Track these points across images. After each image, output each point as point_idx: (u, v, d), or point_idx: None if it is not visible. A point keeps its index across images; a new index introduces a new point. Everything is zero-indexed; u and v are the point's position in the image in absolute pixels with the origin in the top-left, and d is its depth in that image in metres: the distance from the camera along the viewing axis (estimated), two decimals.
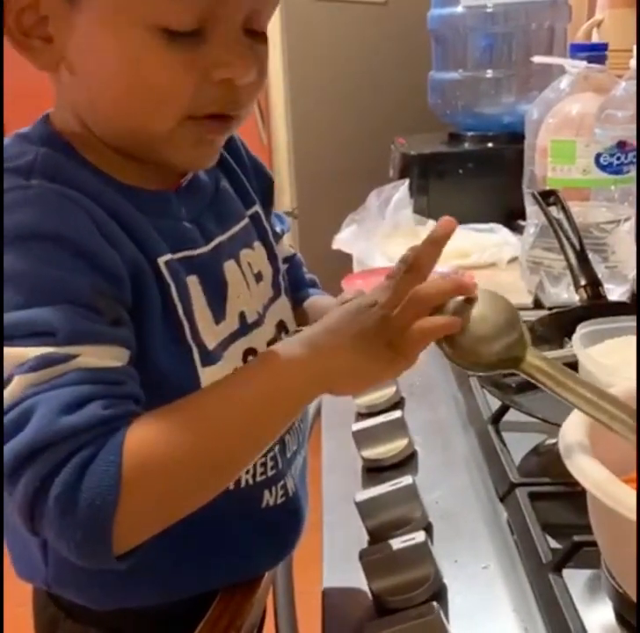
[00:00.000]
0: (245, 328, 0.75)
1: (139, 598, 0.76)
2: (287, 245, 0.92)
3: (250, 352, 0.75)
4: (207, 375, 0.70)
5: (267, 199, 0.87)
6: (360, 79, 2.42)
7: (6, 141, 0.69)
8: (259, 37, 0.69)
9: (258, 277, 0.79)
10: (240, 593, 0.78)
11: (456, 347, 0.66)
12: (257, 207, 0.82)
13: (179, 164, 0.72)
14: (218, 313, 0.72)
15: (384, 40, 2.39)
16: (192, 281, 0.70)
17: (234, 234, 0.77)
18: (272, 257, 0.82)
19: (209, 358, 0.70)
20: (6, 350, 0.58)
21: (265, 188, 0.87)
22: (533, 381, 0.65)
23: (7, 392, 0.57)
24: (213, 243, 0.74)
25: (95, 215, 0.64)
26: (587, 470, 0.55)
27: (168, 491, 0.59)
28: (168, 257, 0.68)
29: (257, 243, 0.80)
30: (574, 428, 0.60)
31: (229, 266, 0.75)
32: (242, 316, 0.75)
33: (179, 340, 0.68)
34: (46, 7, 0.65)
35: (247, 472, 0.75)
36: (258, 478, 0.76)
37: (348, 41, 2.42)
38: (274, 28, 2.51)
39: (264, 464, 0.76)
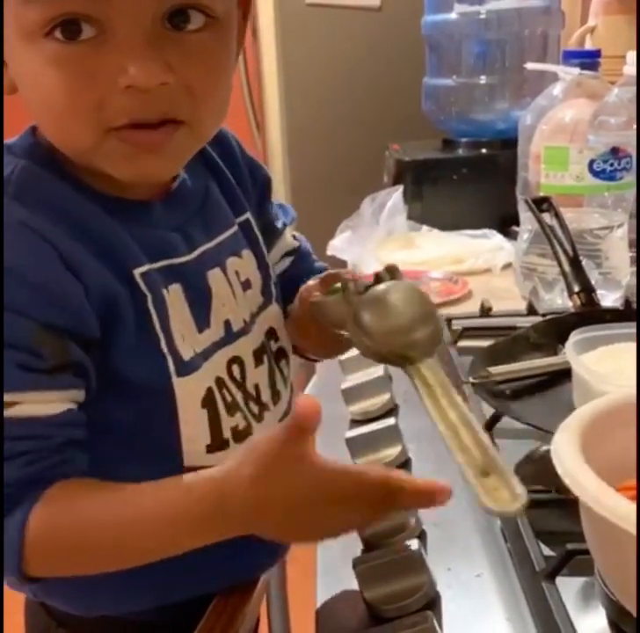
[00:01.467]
0: (230, 336, 0.75)
1: (129, 603, 0.76)
2: (289, 237, 0.90)
3: (234, 360, 0.75)
4: (182, 385, 0.69)
5: (264, 198, 0.86)
6: (355, 85, 2.42)
7: None
8: (200, 23, 0.63)
9: (246, 285, 0.78)
10: (234, 600, 0.78)
11: (360, 328, 0.66)
12: (247, 215, 0.81)
13: (125, 178, 0.67)
14: (202, 321, 0.72)
15: (378, 46, 2.39)
16: (175, 290, 0.70)
17: (221, 242, 0.77)
18: (262, 265, 0.81)
19: (185, 367, 0.70)
20: None
21: (263, 187, 0.86)
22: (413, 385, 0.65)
23: None
24: (197, 252, 0.73)
25: (60, 245, 0.63)
26: (580, 479, 0.55)
27: (64, 566, 0.65)
28: (145, 268, 0.68)
29: (245, 252, 0.79)
30: (568, 435, 0.60)
31: (214, 275, 0.74)
32: (227, 324, 0.75)
33: (154, 350, 0.68)
34: None
35: None
36: None
37: (342, 47, 2.42)
38: (268, 33, 2.51)
39: None
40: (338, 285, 0.73)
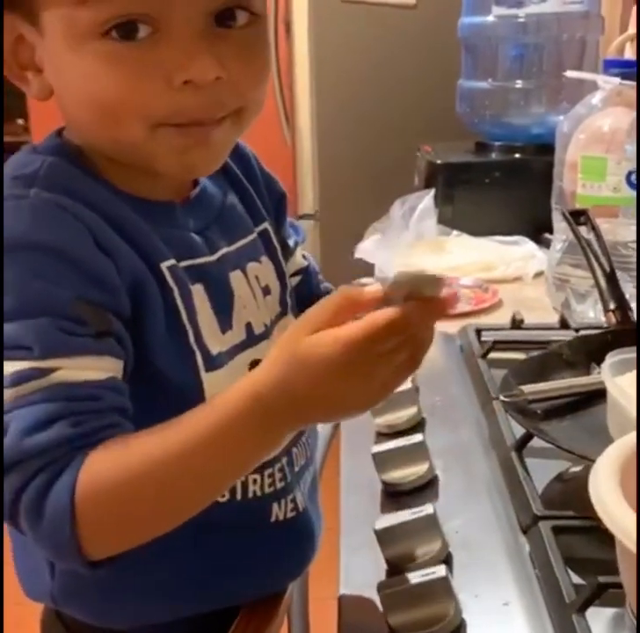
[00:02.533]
0: (252, 339, 0.74)
1: (145, 614, 0.75)
2: (299, 256, 0.90)
3: (256, 363, 0.73)
4: (211, 380, 0.69)
5: (280, 213, 0.86)
6: (387, 84, 2.40)
7: (15, 155, 0.69)
8: (245, 21, 0.65)
9: (266, 290, 0.78)
10: (262, 610, 0.77)
11: None
12: (266, 224, 0.81)
13: (170, 172, 0.69)
14: (224, 322, 0.72)
15: (413, 45, 2.37)
16: (198, 290, 0.70)
17: (240, 247, 0.76)
18: (280, 274, 0.80)
19: (213, 363, 0.70)
20: None
21: (278, 202, 0.86)
22: None
23: None
24: (218, 254, 0.73)
25: (91, 224, 0.64)
26: (617, 516, 0.53)
27: (123, 521, 0.60)
28: (171, 262, 0.68)
29: (264, 258, 0.79)
30: (606, 468, 0.58)
31: (236, 276, 0.74)
32: (248, 326, 0.74)
33: (182, 344, 0.68)
34: (28, 37, 0.66)
35: (254, 483, 0.74)
36: (267, 490, 0.75)
37: (376, 45, 2.40)
38: (302, 30, 2.49)
39: (271, 475, 0.75)
40: None
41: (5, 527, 0.69)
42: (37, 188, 0.64)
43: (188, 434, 0.59)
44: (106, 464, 0.59)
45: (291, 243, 0.87)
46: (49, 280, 0.61)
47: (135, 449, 0.60)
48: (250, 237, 0.78)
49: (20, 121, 3.82)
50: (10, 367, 0.59)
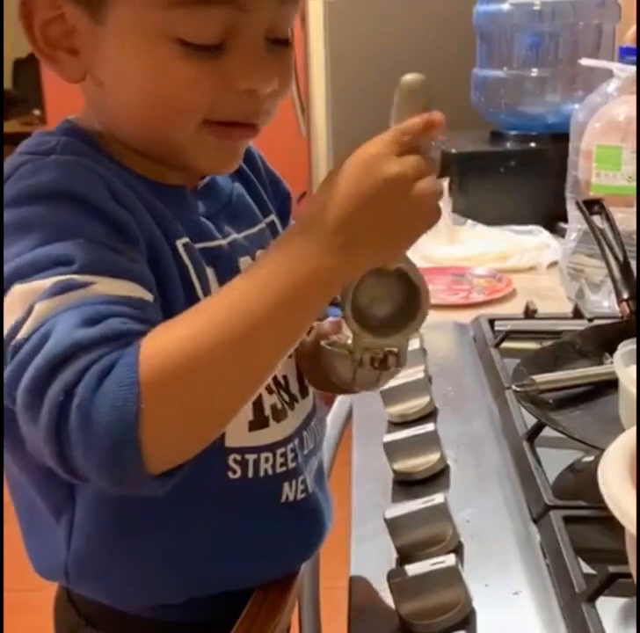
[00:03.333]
0: None
1: (157, 593, 0.75)
2: None
3: None
4: None
5: (284, 212, 0.87)
6: (402, 73, 2.40)
7: (27, 139, 0.70)
8: (282, 43, 0.70)
9: None
10: (274, 594, 0.78)
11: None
12: (273, 217, 0.82)
13: (201, 169, 0.74)
14: None
15: (427, 34, 2.36)
16: (210, 272, 0.71)
17: (249, 235, 0.77)
18: None
19: None
20: (26, 286, 0.59)
21: (282, 201, 0.87)
22: None
23: (28, 322, 0.58)
24: (229, 239, 0.75)
25: (109, 181, 0.65)
26: (625, 506, 0.53)
27: (190, 391, 0.57)
28: (186, 240, 0.69)
29: None
30: (615, 458, 0.58)
31: (245, 262, 0.75)
32: None
33: None
34: (71, 20, 0.66)
35: (266, 461, 0.75)
36: (278, 469, 0.76)
37: (391, 35, 2.39)
38: (317, 20, 2.48)
39: (283, 455, 0.76)
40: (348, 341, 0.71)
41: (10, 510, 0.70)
42: (56, 155, 0.66)
43: (246, 285, 0.59)
44: (167, 338, 0.57)
45: None
46: (82, 217, 0.62)
47: (194, 316, 0.58)
48: (259, 227, 0.79)
49: (37, 112, 3.84)
50: (48, 282, 0.58)
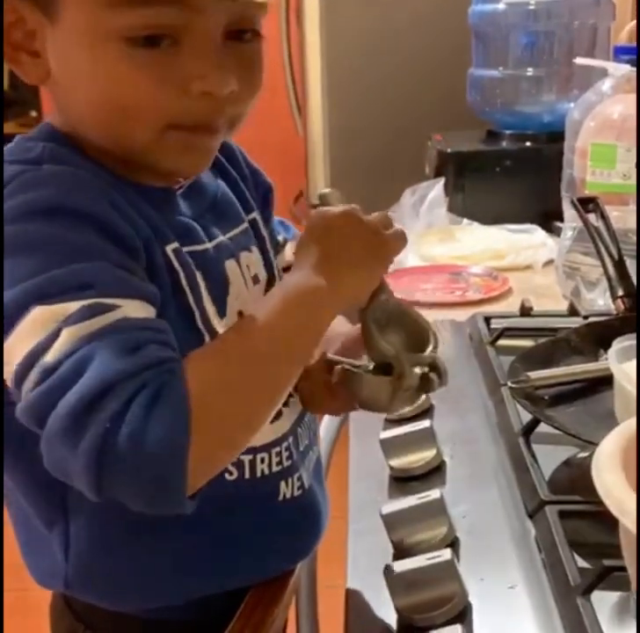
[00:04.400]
0: None
1: (158, 595, 0.75)
2: (290, 253, 0.90)
3: None
4: None
5: (266, 206, 0.87)
6: (398, 73, 2.40)
7: (9, 145, 0.70)
8: (249, 38, 0.68)
9: (255, 279, 0.78)
10: (269, 592, 0.78)
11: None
12: (255, 214, 0.82)
13: (168, 171, 0.72)
14: (221, 309, 0.73)
15: (423, 34, 2.36)
16: (198, 275, 0.71)
17: (234, 236, 0.77)
18: (268, 264, 0.81)
19: None
20: (47, 308, 0.58)
21: (264, 195, 0.87)
22: None
23: (56, 346, 0.57)
24: (214, 242, 0.74)
25: (109, 195, 0.65)
26: (619, 499, 0.53)
27: (231, 419, 0.60)
28: (175, 245, 0.69)
29: (254, 248, 0.80)
30: (609, 452, 0.58)
31: (230, 265, 0.75)
32: (240, 315, 0.74)
33: (191, 326, 0.69)
34: (31, 23, 0.66)
35: (262, 461, 0.75)
36: (274, 469, 0.76)
37: (387, 34, 2.39)
38: (312, 19, 2.48)
39: (279, 454, 0.76)
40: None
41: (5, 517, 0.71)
42: (48, 164, 0.65)
43: (268, 312, 0.64)
44: (207, 369, 0.60)
45: (280, 239, 0.88)
46: (92, 234, 0.62)
47: (225, 342, 0.64)
48: (242, 226, 0.79)
49: (33, 113, 3.84)
50: (72, 306, 0.58)
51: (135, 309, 0.60)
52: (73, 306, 0.58)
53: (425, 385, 0.70)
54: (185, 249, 0.70)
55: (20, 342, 0.59)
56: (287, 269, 0.87)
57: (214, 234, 0.75)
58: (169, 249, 0.68)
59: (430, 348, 0.71)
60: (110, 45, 0.63)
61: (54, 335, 0.58)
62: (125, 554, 0.73)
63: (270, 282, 0.81)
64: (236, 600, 0.77)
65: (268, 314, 0.64)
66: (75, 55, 0.66)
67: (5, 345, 0.59)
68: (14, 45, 0.67)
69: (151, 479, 0.57)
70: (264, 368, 0.62)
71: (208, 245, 0.74)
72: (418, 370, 0.70)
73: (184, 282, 0.69)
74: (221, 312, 0.73)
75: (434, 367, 0.70)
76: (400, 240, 0.71)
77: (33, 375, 0.57)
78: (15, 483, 0.74)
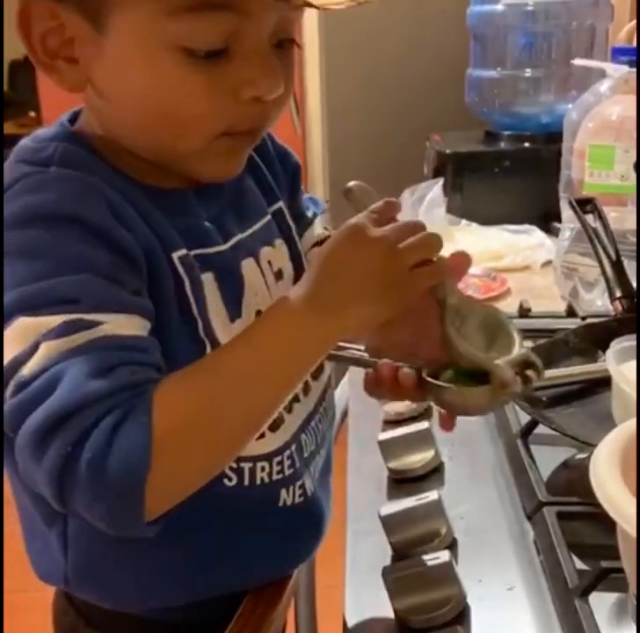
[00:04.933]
0: None
1: (158, 597, 0.76)
2: (319, 228, 0.90)
3: None
4: None
5: (295, 185, 0.86)
6: (397, 74, 2.40)
7: (24, 140, 0.70)
8: (287, 44, 0.69)
9: (278, 275, 0.78)
10: (268, 594, 0.78)
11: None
12: (280, 204, 0.82)
13: (207, 176, 0.72)
14: (233, 311, 0.72)
15: (422, 35, 2.37)
16: (208, 278, 0.70)
17: (254, 231, 0.77)
18: (294, 255, 0.81)
19: None
20: (31, 320, 0.59)
21: (293, 175, 0.86)
22: None
23: (34, 359, 0.58)
24: (231, 242, 0.74)
25: (110, 199, 0.64)
26: (617, 502, 0.53)
27: (198, 448, 0.59)
28: (182, 252, 0.69)
29: (278, 241, 0.79)
30: (607, 454, 0.58)
31: (248, 264, 0.75)
32: (258, 314, 0.74)
33: (193, 335, 0.68)
34: (71, 30, 0.65)
35: (262, 470, 0.74)
36: (275, 477, 0.75)
37: (385, 35, 2.40)
38: (311, 20, 2.49)
39: (280, 463, 0.76)
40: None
41: (11, 510, 0.70)
42: (56, 167, 0.65)
43: (250, 342, 0.62)
44: (176, 396, 0.58)
45: (309, 214, 0.88)
46: (85, 243, 0.61)
47: (200, 374, 0.60)
48: (265, 220, 0.79)
49: (32, 114, 3.83)
50: (56, 320, 0.58)
51: (119, 326, 0.60)
52: (55, 320, 0.58)
53: (524, 384, 0.67)
54: (195, 252, 0.70)
55: (6, 351, 0.59)
56: (316, 245, 0.87)
57: (232, 233, 0.75)
58: (175, 256, 0.68)
59: (517, 343, 0.68)
60: (165, 52, 0.64)
61: (34, 348, 0.58)
62: (123, 555, 0.73)
63: (297, 275, 0.80)
64: (235, 601, 0.77)
65: (246, 345, 0.62)
66: (126, 63, 0.65)
67: None
68: (50, 52, 0.66)
69: (109, 505, 0.57)
70: (234, 402, 0.60)
71: (223, 247, 0.73)
72: (514, 371, 0.66)
73: (188, 291, 0.68)
74: (235, 314, 0.72)
75: (530, 363, 0.67)
76: (432, 275, 0.64)
77: (11, 387, 0.58)
78: (19, 480, 0.74)
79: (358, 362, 0.76)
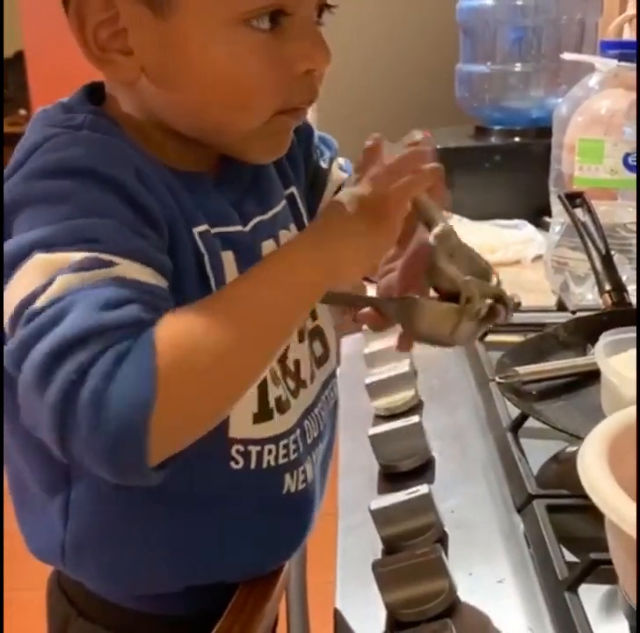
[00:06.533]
0: None
1: (152, 579, 0.76)
2: (337, 171, 0.90)
3: None
4: None
5: (310, 147, 0.87)
6: (386, 69, 2.40)
7: (47, 108, 0.70)
8: (327, 11, 0.70)
9: None
10: (260, 585, 0.78)
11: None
12: (293, 189, 0.82)
13: (256, 157, 0.73)
14: None
15: (411, 30, 2.36)
16: (228, 256, 0.71)
17: (275, 214, 0.78)
18: None
19: None
20: (49, 256, 0.58)
21: (307, 139, 0.87)
22: None
23: (48, 292, 0.57)
24: (252, 223, 0.75)
25: (138, 165, 0.65)
26: (606, 496, 0.54)
27: (202, 382, 0.58)
28: (204, 228, 0.69)
29: (292, 226, 0.80)
30: (594, 447, 0.59)
31: (268, 246, 0.75)
32: None
33: None
34: (126, 20, 0.65)
35: (269, 453, 0.75)
36: (281, 460, 0.76)
37: (374, 29, 2.40)
38: None
39: (286, 446, 0.76)
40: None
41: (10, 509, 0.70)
42: (87, 130, 0.66)
43: (256, 274, 0.63)
44: (181, 328, 0.57)
45: (325, 164, 0.88)
46: (112, 197, 0.62)
47: (204, 309, 0.59)
48: (282, 204, 0.80)
49: (22, 112, 3.83)
50: (74, 256, 0.58)
51: (133, 271, 0.59)
52: (73, 257, 0.58)
53: (490, 316, 0.67)
54: (216, 230, 0.70)
55: (19, 286, 0.58)
56: (339, 190, 0.87)
57: (252, 215, 0.75)
58: (196, 231, 0.68)
59: (495, 281, 0.69)
60: (227, 29, 0.65)
61: (49, 282, 0.57)
62: (123, 531, 0.73)
63: None
64: (226, 595, 0.77)
65: (255, 280, 0.63)
66: (191, 45, 0.66)
67: (6, 289, 0.59)
68: (103, 44, 0.66)
69: (110, 437, 0.54)
70: (244, 339, 0.59)
71: (244, 229, 0.74)
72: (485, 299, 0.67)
73: (208, 266, 0.69)
74: None
75: (500, 299, 0.68)
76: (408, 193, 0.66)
77: (24, 318, 0.57)
78: (17, 445, 0.73)
79: (354, 300, 0.76)
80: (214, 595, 0.77)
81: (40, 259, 0.58)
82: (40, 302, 0.57)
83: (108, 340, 0.55)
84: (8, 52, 4.79)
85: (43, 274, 0.58)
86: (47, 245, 0.58)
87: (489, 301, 0.67)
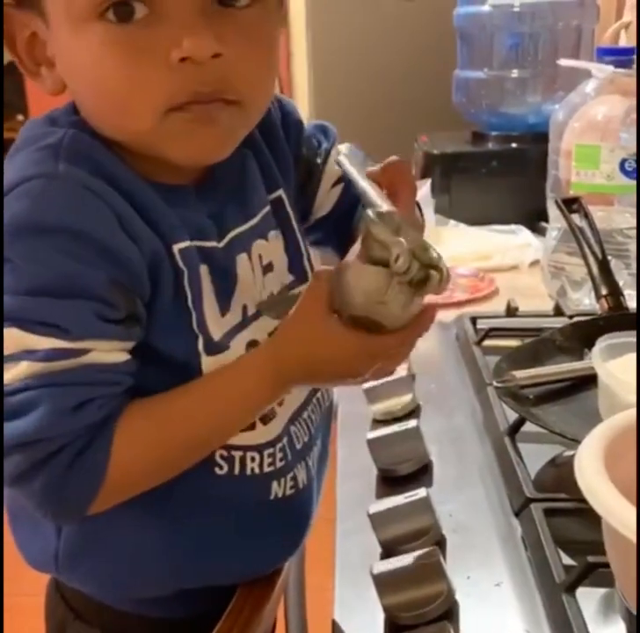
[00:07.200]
0: (246, 320, 0.75)
1: (145, 584, 0.76)
2: (333, 165, 0.86)
3: (252, 344, 0.74)
4: (211, 363, 0.71)
5: (300, 141, 0.84)
6: (384, 75, 2.41)
7: (33, 123, 0.70)
8: (244, 3, 0.64)
9: (268, 268, 0.77)
10: (259, 589, 0.78)
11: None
12: (280, 192, 0.80)
13: (181, 161, 0.69)
14: (224, 305, 0.73)
15: (409, 36, 2.37)
16: (204, 271, 0.71)
17: (254, 224, 0.77)
18: (290, 245, 0.80)
19: (214, 347, 0.71)
20: (18, 332, 0.62)
21: (297, 134, 0.84)
22: None
23: (13, 372, 0.62)
24: (227, 238, 0.74)
25: (117, 207, 0.64)
26: (603, 498, 0.54)
27: (145, 481, 0.69)
28: (185, 244, 0.69)
29: (273, 233, 0.78)
30: (591, 450, 0.59)
31: (242, 260, 0.75)
32: (244, 308, 0.75)
33: (185, 328, 0.69)
34: (40, 32, 0.66)
35: (252, 460, 0.75)
36: (266, 469, 0.76)
37: (372, 36, 2.40)
38: (299, 20, 2.49)
39: (272, 455, 0.76)
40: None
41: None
42: (64, 162, 0.64)
43: (213, 383, 0.70)
44: (138, 423, 0.67)
45: (319, 158, 0.85)
46: (84, 262, 0.62)
47: (162, 404, 0.68)
48: (264, 211, 0.78)
49: (20, 117, 3.82)
50: (42, 343, 0.62)
51: (104, 352, 0.64)
52: (42, 342, 0.62)
53: (423, 282, 0.65)
54: (195, 244, 0.70)
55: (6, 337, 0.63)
56: (335, 184, 0.87)
57: (229, 228, 0.74)
58: (176, 248, 0.68)
59: (435, 255, 0.65)
60: (86, 26, 0.62)
61: (17, 359, 0.62)
62: (116, 535, 0.74)
63: (293, 264, 0.80)
64: (224, 598, 0.77)
65: (207, 399, 0.70)
66: (64, 47, 0.65)
67: None
68: (36, 60, 0.67)
69: (53, 513, 0.68)
70: (184, 441, 0.69)
71: (218, 244, 0.73)
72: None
73: (186, 283, 0.69)
74: (225, 308, 0.73)
75: (437, 267, 0.65)
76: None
77: None
78: None
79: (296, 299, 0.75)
80: (212, 598, 0.77)
81: (12, 331, 0.62)
82: (8, 377, 0.62)
83: (63, 441, 0.63)
84: (6, 57, 4.79)
85: (14, 346, 0.62)
86: (18, 320, 0.62)
87: (418, 263, 0.64)
